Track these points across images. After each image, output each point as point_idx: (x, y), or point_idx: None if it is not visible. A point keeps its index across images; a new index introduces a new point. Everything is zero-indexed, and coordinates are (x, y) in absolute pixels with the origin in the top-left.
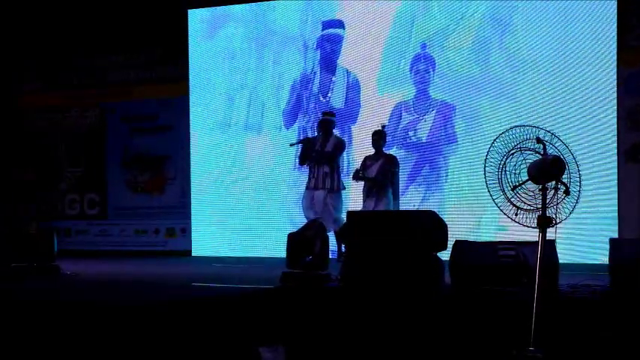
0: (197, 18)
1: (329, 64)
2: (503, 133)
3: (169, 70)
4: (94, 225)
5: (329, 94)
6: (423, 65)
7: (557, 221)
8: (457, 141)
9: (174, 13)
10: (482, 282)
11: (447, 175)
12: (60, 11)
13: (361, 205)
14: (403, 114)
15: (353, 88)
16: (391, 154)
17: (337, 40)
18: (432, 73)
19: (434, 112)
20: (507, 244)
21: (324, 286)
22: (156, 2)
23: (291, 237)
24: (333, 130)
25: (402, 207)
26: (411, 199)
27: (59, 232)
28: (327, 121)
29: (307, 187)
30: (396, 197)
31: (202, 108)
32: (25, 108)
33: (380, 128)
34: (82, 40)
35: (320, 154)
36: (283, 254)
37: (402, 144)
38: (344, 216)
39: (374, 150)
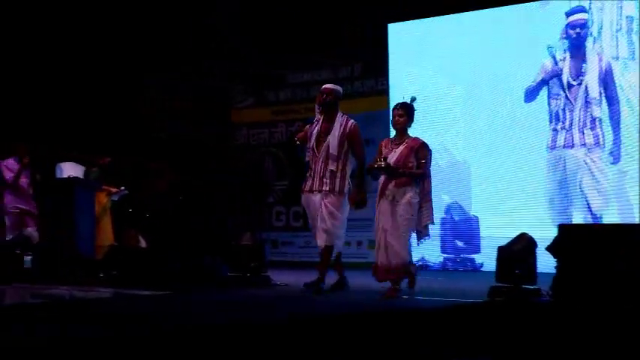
0: (396, 31)
1: (577, 50)
2: None
3: (370, 84)
4: (299, 237)
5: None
6: None
7: None
8: None
9: (375, 28)
10: None
11: None
12: (270, 33)
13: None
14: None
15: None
16: (419, 139)
17: (582, 26)
18: None
19: None
20: None
21: (535, 300)
22: (357, 19)
23: (501, 250)
24: (337, 108)
25: None
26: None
27: (267, 243)
28: (329, 92)
29: (303, 190)
30: (427, 198)
31: None
32: (236, 123)
33: (409, 101)
34: (290, 59)
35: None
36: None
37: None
38: (343, 231)
39: (395, 131)
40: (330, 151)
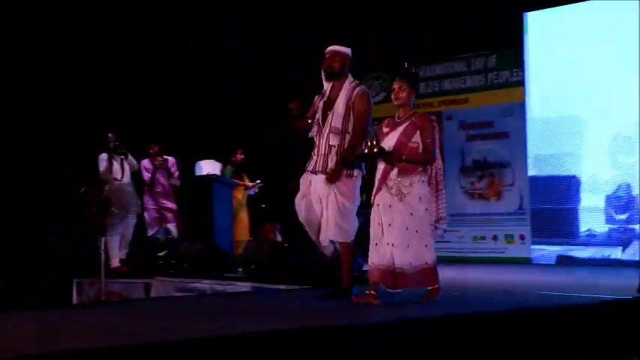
0: (534, 21)
1: None
2: None
3: (505, 76)
4: None
5: None
6: None
7: None
8: None
9: (511, 18)
10: None
11: None
12: (402, 26)
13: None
14: None
15: None
16: (426, 115)
17: None
18: None
19: None
20: None
21: None
22: (492, 9)
23: None
24: (347, 73)
25: None
26: None
27: None
28: (333, 55)
29: (305, 169)
30: (439, 187)
31: (539, 113)
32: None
33: (407, 69)
34: (422, 51)
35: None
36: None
37: None
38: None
39: (396, 107)
40: (333, 124)
